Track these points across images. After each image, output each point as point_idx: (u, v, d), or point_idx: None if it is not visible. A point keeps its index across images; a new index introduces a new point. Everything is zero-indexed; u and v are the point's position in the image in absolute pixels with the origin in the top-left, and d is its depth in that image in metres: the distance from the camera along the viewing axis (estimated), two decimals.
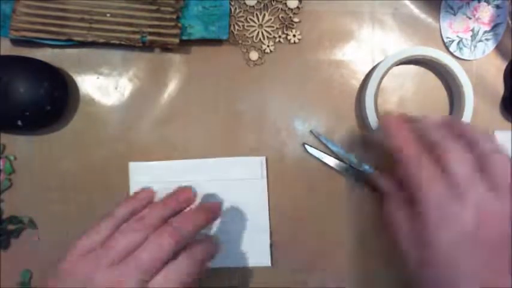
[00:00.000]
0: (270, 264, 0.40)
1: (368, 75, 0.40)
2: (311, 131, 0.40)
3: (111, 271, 0.27)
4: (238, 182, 0.40)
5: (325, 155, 0.40)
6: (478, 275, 0.27)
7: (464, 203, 0.28)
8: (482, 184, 0.28)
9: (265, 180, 0.40)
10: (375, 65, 0.41)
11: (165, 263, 0.28)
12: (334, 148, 0.40)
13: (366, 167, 0.40)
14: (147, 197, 0.33)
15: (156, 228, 0.29)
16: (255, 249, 0.40)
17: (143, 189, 0.34)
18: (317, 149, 0.40)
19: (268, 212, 0.40)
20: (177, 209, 0.32)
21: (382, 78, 0.39)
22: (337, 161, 0.40)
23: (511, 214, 0.28)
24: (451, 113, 0.41)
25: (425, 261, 0.29)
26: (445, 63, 0.39)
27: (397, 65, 0.39)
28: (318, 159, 0.40)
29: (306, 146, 0.40)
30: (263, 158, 0.41)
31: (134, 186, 0.40)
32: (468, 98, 0.39)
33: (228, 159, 0.40)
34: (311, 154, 0.40)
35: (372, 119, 0.39)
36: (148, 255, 0.28)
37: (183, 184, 0.40)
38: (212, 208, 0.33)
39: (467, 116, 0.39)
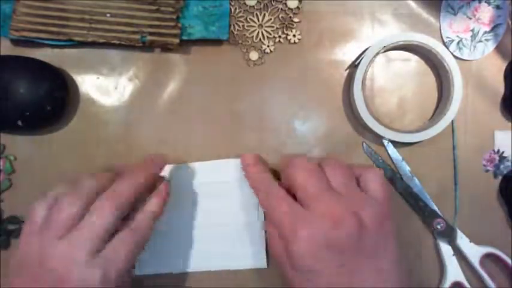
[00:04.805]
0: (266, 266, 0.39)
1: (356, 64, 0.40)
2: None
3: (61, 243, 0.28)
4: (238, 183, 0.40)
5: (378, 157, 0.41)
6: (333, 277, 0.29)
7: (312, 213, 0.30)
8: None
9: None
10: (360, 53, 0.40)
11: (112, 234, 0.30)
12: (393, 155, 0.41)
13: (416, 180, 0.40)
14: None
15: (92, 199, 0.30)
16: (253, 250, 0.40)
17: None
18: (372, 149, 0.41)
19: None
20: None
21: (369, 64, 0.39)
22: (387, 167, 0.41)
23: (358, 216, 0.29)
24: (439, 100, 0.41)
25: (292, 266, 0.30)
26: (430, 48, 0.39)
27: (385, 51, 0.39)
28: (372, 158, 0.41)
29: (364, 144, 0.41)
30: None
31: None
32: (457, 84, 0.39)
33: (228, 160, 0.40)
34: (366, 153, 0.41)
35: (360, 105, 0.39)
36: (91, 225, 0.29)
37: (183, 185, 0.40)
38: (149, 164, 0.36)
39: (456, 100, 0.39)
